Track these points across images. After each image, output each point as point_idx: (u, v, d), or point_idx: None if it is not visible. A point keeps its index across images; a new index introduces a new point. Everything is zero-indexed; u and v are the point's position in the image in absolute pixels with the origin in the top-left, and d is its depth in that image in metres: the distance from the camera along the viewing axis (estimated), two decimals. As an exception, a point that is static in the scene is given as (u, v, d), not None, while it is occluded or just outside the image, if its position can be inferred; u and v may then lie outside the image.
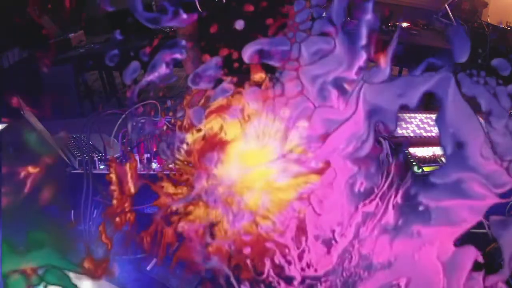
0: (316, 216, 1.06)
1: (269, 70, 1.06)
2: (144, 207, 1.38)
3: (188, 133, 1.11)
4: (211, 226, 1.12)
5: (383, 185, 1.04)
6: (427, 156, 1.62)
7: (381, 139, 1.05)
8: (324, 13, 1.00)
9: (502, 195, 0.99)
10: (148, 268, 1.34)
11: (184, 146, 1.11)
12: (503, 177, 0.97)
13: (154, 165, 1.46)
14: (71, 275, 1.22)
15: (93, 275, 1.21)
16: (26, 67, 3.59)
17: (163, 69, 1.07)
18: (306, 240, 1.08)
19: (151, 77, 1.07)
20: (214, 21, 1.47)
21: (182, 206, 1.12)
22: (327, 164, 1.04)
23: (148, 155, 1.46)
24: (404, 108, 0.98)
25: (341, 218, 1.06)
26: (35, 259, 1.21)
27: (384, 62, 0.96)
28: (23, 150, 1.51)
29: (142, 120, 1.52)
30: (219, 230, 1.11)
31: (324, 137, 1.02)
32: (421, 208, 1.03)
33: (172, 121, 1.23)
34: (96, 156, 1.50)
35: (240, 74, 1.08)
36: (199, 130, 1.11)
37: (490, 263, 1.13)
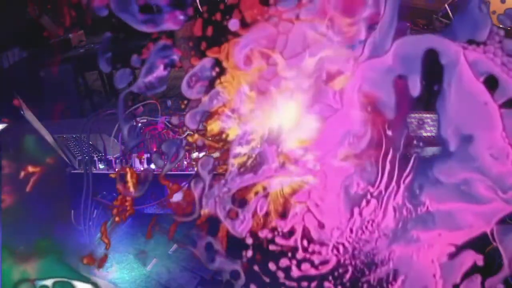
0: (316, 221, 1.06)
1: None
2: (144, 207, 1.38)
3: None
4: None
5: (383, 183, 1.03)
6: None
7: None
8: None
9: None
10: (148, 268, 1.34)
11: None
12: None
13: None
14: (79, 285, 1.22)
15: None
16: (26, 67, 3.59)
17: (159, 71, 1.07)
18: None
19: (149, 78, 1.07)
20: (213, 22, 1.46)
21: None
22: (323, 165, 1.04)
23: (148, 155, 1.46)
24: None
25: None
26: (43, 269, 1.21)
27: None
28: (23, 150, 1.51)
29: (142, 120, 1.52)
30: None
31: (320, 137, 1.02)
32: (423, 210, 1.02)
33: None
34: (96, 156, 1.50)
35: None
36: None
37: (490, 264, 1.13)
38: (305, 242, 1.08)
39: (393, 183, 1.03)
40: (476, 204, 0.99)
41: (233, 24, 1.06)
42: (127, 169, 1.25)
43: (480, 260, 1.01)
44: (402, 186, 1.03)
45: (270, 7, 1.02)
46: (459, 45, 0.94)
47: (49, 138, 1.55)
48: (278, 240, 1.08)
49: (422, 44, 0.94)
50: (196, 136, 1.20)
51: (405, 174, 1.03)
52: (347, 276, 1.08)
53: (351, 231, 1.06)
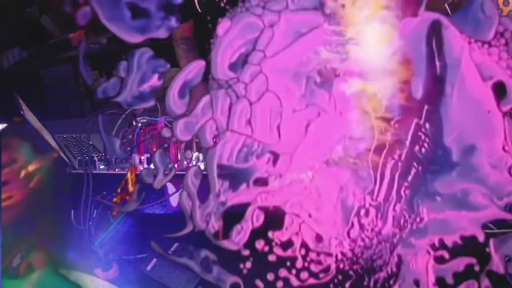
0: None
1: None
2: (145, 207, 1.38)
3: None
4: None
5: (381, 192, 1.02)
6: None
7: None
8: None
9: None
10: (148, 268, 1.34)
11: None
12: (509, 187, 0.95)
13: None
14: None
15: None
16: (26, 67, 3.59)
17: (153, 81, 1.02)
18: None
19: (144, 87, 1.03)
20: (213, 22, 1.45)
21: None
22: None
23: (148, 155, 1.46)
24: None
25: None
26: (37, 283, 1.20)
27: None
28: (23, 149, 1.51)
29: (143, 120, 1.52)
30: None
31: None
32: (420, 219, 1.02)
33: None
34: (96, 156, 1.50)
35: None
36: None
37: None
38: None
39: (393, 193, 1.03)
40: (471, 211, 0.99)
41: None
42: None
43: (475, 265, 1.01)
44: (402, 197, 1.02)
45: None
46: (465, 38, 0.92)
47: (49, 138, 1.56)
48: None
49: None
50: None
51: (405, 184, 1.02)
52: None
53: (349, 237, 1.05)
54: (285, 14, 0.95)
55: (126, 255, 1.37)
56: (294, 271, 1.05)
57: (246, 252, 1.04)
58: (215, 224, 1.03)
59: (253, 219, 1.03)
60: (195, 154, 1.39)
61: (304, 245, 1.05)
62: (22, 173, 1.38)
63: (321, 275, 1.06)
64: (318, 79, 0.98)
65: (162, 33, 0.97)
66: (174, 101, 0.99)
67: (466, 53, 0.92)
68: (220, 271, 1.06)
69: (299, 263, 1.05)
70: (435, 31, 0.93)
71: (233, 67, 0.98)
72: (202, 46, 1.97)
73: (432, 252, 1.03)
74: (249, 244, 1.04)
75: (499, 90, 0.93)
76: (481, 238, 1.00)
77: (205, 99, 1.00)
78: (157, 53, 1.01)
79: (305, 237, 1.04)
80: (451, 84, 0.94)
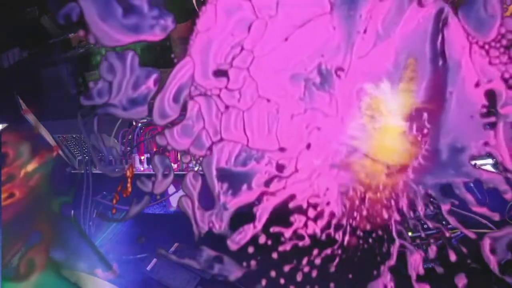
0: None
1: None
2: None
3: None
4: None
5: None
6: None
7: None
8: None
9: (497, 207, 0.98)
10: (148, 268, 1.33)
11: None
12: (501, 186, 0.95)
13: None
14: None
15: None
16: (26, 67, 3.59)
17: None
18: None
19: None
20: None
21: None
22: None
23: (148, 155, 1.46)
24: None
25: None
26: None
27: None
28: (23, 149, 1.51)
29: (143, 120, 1.52)
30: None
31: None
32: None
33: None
34: (96, 156, 1.50)
35: None
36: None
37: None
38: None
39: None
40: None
41: None
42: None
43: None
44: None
45: None
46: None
47: (49, 138, 1.55)
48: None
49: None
50: None
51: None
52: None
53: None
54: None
55: (126, 255, 1.36)
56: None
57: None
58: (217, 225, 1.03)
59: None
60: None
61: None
62: (22, 173, 1.38)
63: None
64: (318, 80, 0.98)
65: (157, 33, 0.95)
66: (169, 105, 0.99)
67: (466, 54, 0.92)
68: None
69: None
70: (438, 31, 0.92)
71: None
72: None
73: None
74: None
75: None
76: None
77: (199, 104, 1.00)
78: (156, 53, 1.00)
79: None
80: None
